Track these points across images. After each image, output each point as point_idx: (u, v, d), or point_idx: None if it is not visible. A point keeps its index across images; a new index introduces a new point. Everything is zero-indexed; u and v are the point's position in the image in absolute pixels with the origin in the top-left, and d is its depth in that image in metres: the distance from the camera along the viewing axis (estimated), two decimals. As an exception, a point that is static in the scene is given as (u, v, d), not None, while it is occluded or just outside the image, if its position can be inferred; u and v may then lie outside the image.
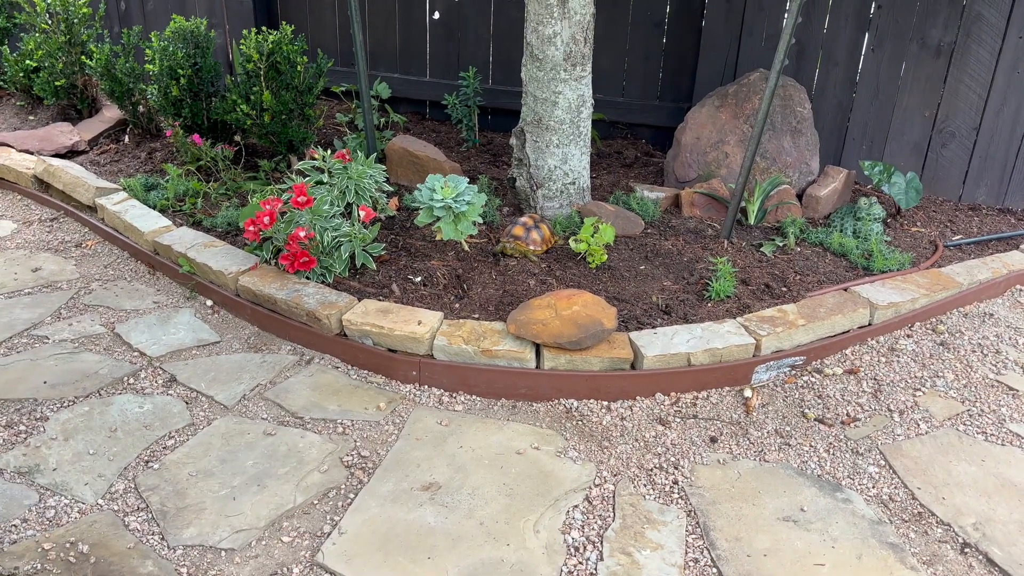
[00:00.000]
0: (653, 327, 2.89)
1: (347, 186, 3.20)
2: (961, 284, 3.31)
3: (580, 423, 2.64)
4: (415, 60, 5.03)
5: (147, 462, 2.41)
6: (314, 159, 3.28)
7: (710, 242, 3.48)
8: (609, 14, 4.58)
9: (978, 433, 2.63)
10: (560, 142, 3.39)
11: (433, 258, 3.20)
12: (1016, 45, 3.86)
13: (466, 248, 3.24)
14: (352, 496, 2.30)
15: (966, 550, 2.17)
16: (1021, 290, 3.49)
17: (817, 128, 4.21)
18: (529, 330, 2.70)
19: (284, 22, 4.06)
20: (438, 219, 3.02)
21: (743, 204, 3.71)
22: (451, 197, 2.98)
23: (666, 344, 2.77)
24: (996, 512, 2.30)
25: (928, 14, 3.95)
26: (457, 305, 2.96)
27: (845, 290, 3.18)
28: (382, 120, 4.60)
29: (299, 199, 3.03)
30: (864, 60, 4.12)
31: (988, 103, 4.00)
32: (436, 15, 4.86)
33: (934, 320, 3.24)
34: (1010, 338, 3.15)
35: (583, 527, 2.22)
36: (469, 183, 3.52)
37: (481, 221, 3.26)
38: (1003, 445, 2.58)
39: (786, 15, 3.05)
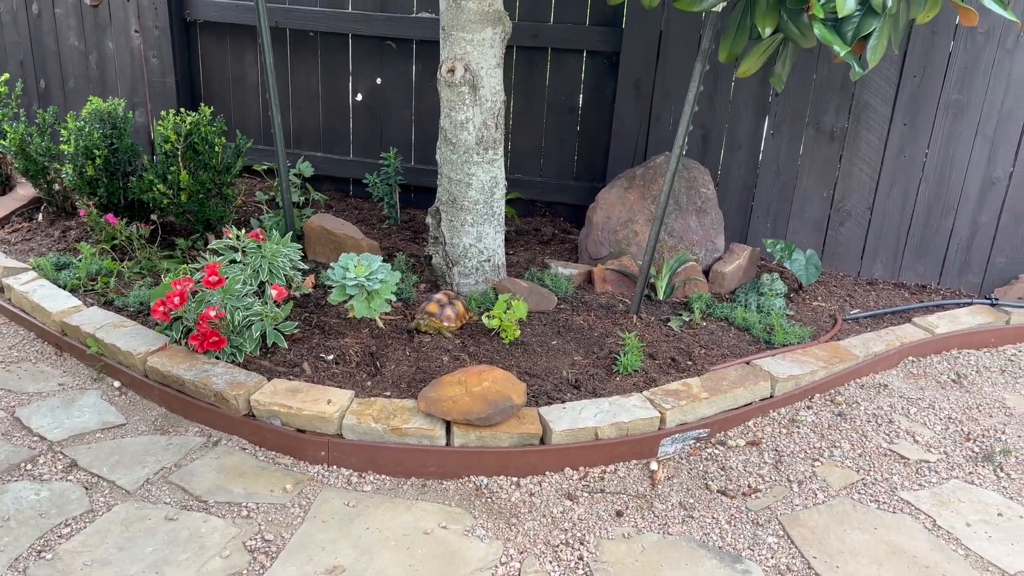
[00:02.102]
0: (563, 402, 2.95)
1: (261, 265, 3.22)
2: (857, 356, 3.48)
3: (489, 500, 2.65)
4: (338, 140, 5.12)
5: (40, 552, 2.33)
6: (228, 238, 3.30)
7: (620, 317, 3.59)
8: (527, 98, 4.77)
9: (871, 502, 2.73)
10: (474, 221, 3.49)
11: (347, 336, 3.22)
12: (901, 131, 4.15)
13: (381, 325, 3.28)
14: (254, 582, 2.26)
15: (858, 617, 2.24)
16: (913, 361, 3.67)
17: (723, 207, 4.41)
18: (439, 407, 2.73)
19: (204, 104, 4.11)
20: (351, 297, 3.06)
21: (652, 280, 3.85)
22: (364, 275, 3.03)
23: (574, 419, 2.83)
24: (886, 579, 2.38)
25: (821, 101, 4.22)
26: (369, 383, 2.98)
27: (747, 363, 3.31)
28: (303, 198, 4.65)
29: (211, 279, 3.04)
30: (765, 143, 4.37)
31: (879, 184, 4.26)
32: (359, 97, 4.98)
33: (833, 391, 3.38)
34: (903, 408, 3.30)
35: (487, 607, 2.22)
36: (384, 261, 3.57)
37: (396, 298, 3.30)
38: (894, 513, 2.68)
39: (685, 104, 3.24)
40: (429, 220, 3.59)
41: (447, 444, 2.75)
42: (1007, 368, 3.69)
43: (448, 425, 2.75)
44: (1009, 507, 2.74)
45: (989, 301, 4.06)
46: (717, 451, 2.96)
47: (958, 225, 4.23)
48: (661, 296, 3.83)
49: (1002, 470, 2.94)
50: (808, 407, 3.26)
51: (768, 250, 4.04)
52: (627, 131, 4.53)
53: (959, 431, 3.17)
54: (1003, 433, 3.16)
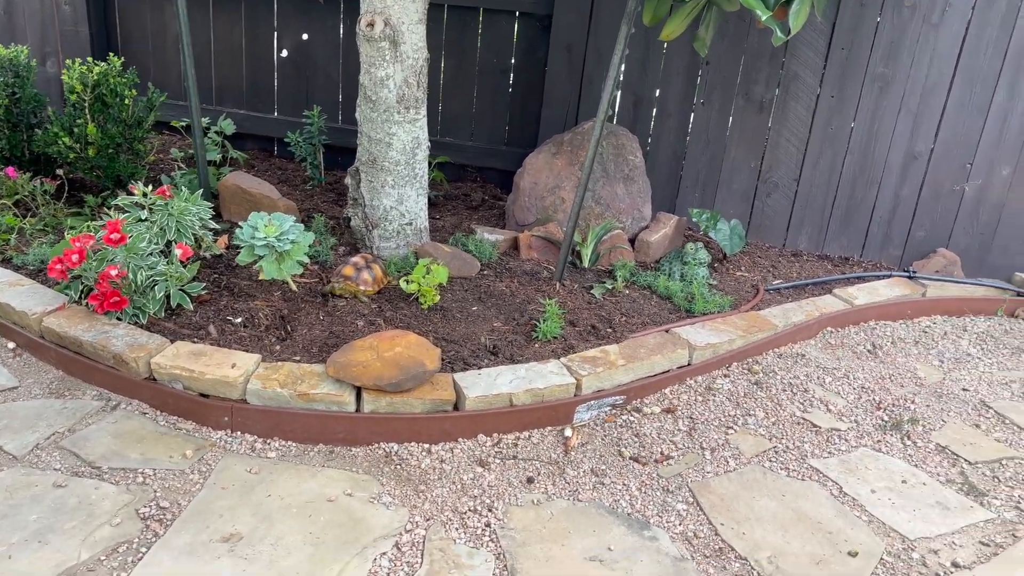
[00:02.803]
0: (479, 368, 2.89)
1: (168, 223, 3.08)
2: (776, 326, 3.50)
3: (399, 467, 2.59)
4: (263, 97, 4.94)
5: (-88, 521, 2.20)
6: (134, 195, 3.14)
7: (543, 284, 3.54)
8: (458, 60, 4.65)
9: (781, 469, 2.75)
10: (396, 183, 3.39)
11: (258, 298, 3.11)
12: (829, 104, 4.17)
13: (294, 288, 3.17)
14: (144, 551, 2.17)
15: (760, 583, 2.26)
16: (832, 332, 3.72)
17: (653, 175, 4.39)
18: (349, 372, 2.65)
19: (112, 54, 3.91)
20: (260, 258, 2.94)
21: (578, 248, 3.81)
22: (274, 235, 2.91)
23: (489, 385, 2.78)
24: (791, 545, 2.40)
25: (751, 71, 4.21)
26: (279, 347, 2.88)
27: (667, 331, 3.30)
28: (223, 157, 4.48)
29: (112, 236, 2.89)
30: (695, 112, 4.34)
31: (806, 156, 4.28)
32: (284, 53, 4.80)
33: (750, 360, 3.39)
34: (818, 378, 3.33)
35: (389, 575, 2.17)
36: (297, 221, 3.45)
37: (311, 261, 3.20)
38: (803, 480, 2.71)
39: (610, 68, 3.18)
40: (348, 180, 3.48)
41: (357, 410, 2.68)
42: (921, 339, 3.76)
43: (358, 391, 2.68)
44: (913, 474, 2.79)
45: (907, 274, 4.12)
46: (632, 418, 2.95)
47: (881, 198, 4.28)
48: (586, 264, 3.80)
49: (909, 438, 2.99)
50: (725, 375, 3.27)
51: (694, 220, 4.03)
52: (559, 96, 4.46)
53: (871, 400, 3.21)
54: (912, 403, 3.22)
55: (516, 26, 4.52)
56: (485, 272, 3.58)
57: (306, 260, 2.98)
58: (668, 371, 3.14)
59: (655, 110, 4.39)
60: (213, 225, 3.22)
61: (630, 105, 4.39)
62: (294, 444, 2.66)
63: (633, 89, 4.35)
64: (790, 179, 4.34)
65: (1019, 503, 2.69)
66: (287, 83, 4.89)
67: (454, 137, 4.80)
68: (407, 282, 3.16)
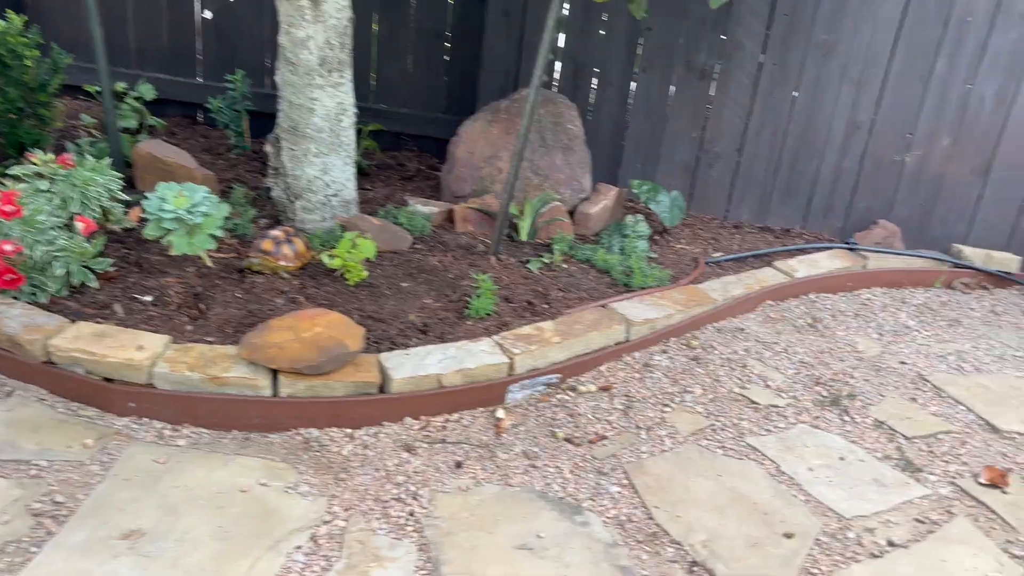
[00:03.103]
0: (407, 347, 2.75)
1: (70, 194, 2.85)
2: (716, 300, 3.42)
3: (318, 454, 2.45)
4: (185, 60, 4.67)
5: None
6: (34, 163, 2.91)
7: (478, 259, 3.40)
8: (392, 22, 4.45)
9: (718, 448, 2.68)
10: (319, 151, 3.21)
11: (170, 275, 2.91)
12: (771, 72, 4.08)
13: (209, 264, 2.98)
14: (35, 550, 2.00)
15: (694, 569, 2.18)
16: (771, 306, 3.66)
17: (594, 145, 4.26)
18: (264, 354, 2.49)
19: (11, 11, 3.61)
20: (170, 232, 2.75)
21: (515, 221, 3.67)
22: (184, 208, 2.72)
23: (417, 365, 2.64)
24: (726, 527, 2.33)
25: (693, 38, 4.09)
26: (190, 328, 2.70)
27: (604, 307, 3.19)
28: (139, 124, 4.22)
29: (6, 208, 2.66)
30: (636, 81, 4.22)
31: (748, 126, 4.20)
32: (207, 14, 4.53)
33: (689, 335, 3.31)
34: (757, 352, 3.27)
35: (304, 570, 2.03)
36: (214, 193, 3.25)
37: (228, 234, 3.01)
38: (740, 459, 2.64)
39: (544, 32, 3.03)
40: (268, 149, 3.28)
41: (273, 395, 2.52)
42: (861, 312, 3.73)
43: (275, 374, 2.52)
44: (851, 451, 2.74)
45: (848, 246, 4.09)
46: (567, 397, 2.84)
47: (823, 169, 4.23)
48: (524, 237, 3.67)
49: (847, 414, 2.94)
50: (663, 351, 3.18)
51: (634, 191, 3.92)
52: (497, 62, 4.29)
53: (810, 375, 3.16)
54: (851, 377, 3.18)
55: (452, -12, 4.34)
56: (417, 246, 3.43)
57: (220, 234, 2.79)
58: (605, 348, 3.04)
59: (595, 78, 4.26)
60: (123, 196, 3.01)
61: (570, 73, 4.24)
62: (206, 431, 2.49)
63: (573, 56, 4.21)
64: (732, 149, 4.25)
65: (954, 479, 2.66)
66: (211, 46, 4.62)
67: (388, 104, 4.60)
68: (331, 256, 2.99)
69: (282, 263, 2.98)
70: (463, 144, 3.79)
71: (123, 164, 3.51)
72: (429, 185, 4.18)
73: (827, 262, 3.92)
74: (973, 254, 4.12)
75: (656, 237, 3.95)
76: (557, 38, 3.08)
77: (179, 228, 2.73)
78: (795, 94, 4.10)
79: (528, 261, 3.45)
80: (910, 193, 4.19)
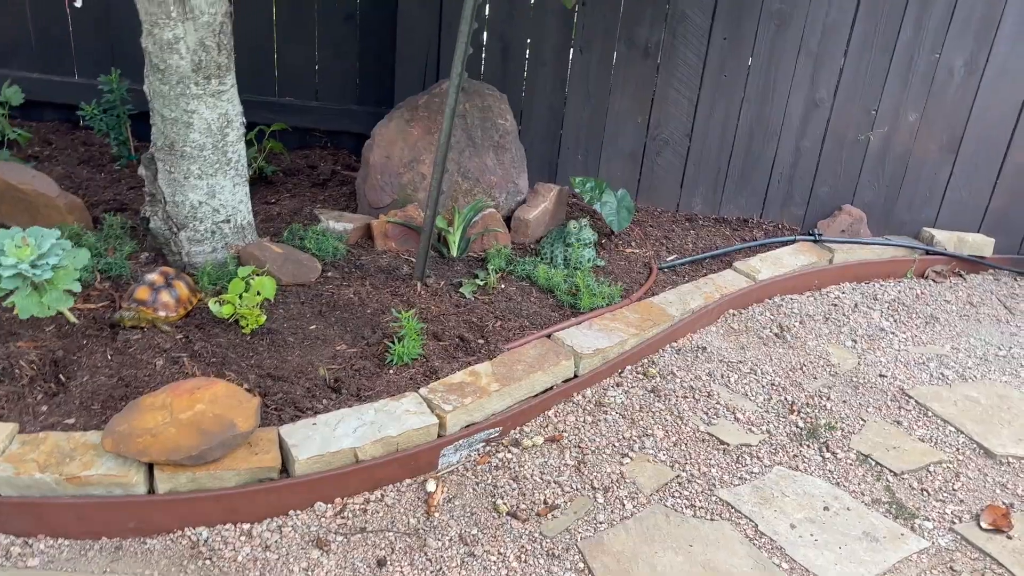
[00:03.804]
0: (315, 413, 2.31)
1: None
2: (673, 316, 3.03)
3: (209, 562, 2.00)
4: (60, 56, 4.06)
5: None
6: None
7: (402, 285, 2.95)
8: (292, 4, 3.90)
9: (687, 508, 2.30)
10: (203, 172, 2.70)
11: (22, 337, 2.40)
12: (721, 47, 3.66)
13: (72, 320, 2.47)
14: None
15: None
16: (734, 315, 3.28)
17: (529, 136, 3.81)
18: (133, 446, 2.01)
19: None
20: (12, 292, 2.23)
21: (444, 234, 3.22)
22: (28, 261, 2.20)
23: (327, 439, 2.20)
24: (702, 620, 1.96)
25: (634, 11, 3.64)
26: (46, 407, 2.20)
27: (549, 337, 2.78)
28: (1, 137, 3.63)
29: None
30: (573, 60, 3.76)
31: (698, 108, 3.78)
32: (78, 2, 3.92)
33: (646, 361, 2.92)
34: (722, 375, 2.89)
35: None
36: (79, 228, 2.74)
37: (97, 276, 2.50)
38: (712, 520, 2.27)
39: (462, 22, 2.55)
40: (142, 171, 2.76)
41: (149, 492, 2.06)
42: (831, 315, 3.38)
43: (150, 467, 2.05)
44: (836, 497, 2.39)
45: (812, 237, 3.73)
46: (510, 455, 2.43)
47: (781, 152, 3.85)
48: (455, 252, 3.22)
49: (828, 449, 2.59)
50: (617, 384, 2.79)
51: (577, 190, 3.49)
52: (415, 46, 3.79)
53: (783, 401, 2.80)
54: (828, 400, 2.83)
55: (359, -38, 3.81)
56: (329, 274, 2.96)
57: (76, 288, 2.29)
58: (552, 388, 2.64)
59: (527, 59, 3.79)
60: (-41, 241, 2.47)
61: (498, 53, 3.76)
62: (67, 542, 2.02)
63: (500, 34, 3.73)
64: (681, 134, 3.84)
65: (953, 523, 2.34)
66: (87, 39, 4.02)
67: (296, 96, 4.07)
68: (219, 303, 2.51)
69: (161, 313, 2.49)
70: (378, 148, 3.30)
71: (-29, 194, 2.95)
72: (345, 192, 3.69)
73: (791, 259, 3.56)
74: (944, 238, 3.80)
75: (603, 240, 3.54)
76: (479, 21, 2.60)
77: (23, 287, 2.22)
78: (748, 70, 3.69)
79: (460, 284, 3.01)
80: (875, 175, 3.84)
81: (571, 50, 3.74)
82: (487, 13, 3.69)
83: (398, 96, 3.89)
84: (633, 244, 3.56)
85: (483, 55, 3.78)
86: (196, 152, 2.67)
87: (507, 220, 3.44)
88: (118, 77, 3.54)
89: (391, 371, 2.51)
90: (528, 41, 3.75)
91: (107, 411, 2.22)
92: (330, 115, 4.08)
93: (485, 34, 3.73)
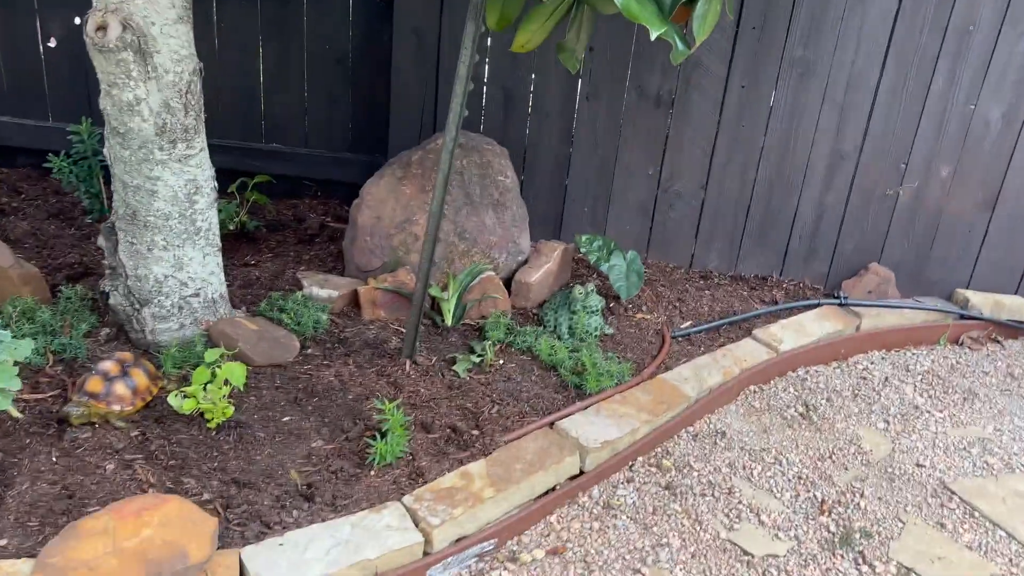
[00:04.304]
0: (284, 527, 2.03)
1: None
2: (689, 396, 2.75)
3: None
4: (32, 99, 3.83)
5: None
6: None
7: (389, 363, 2.67)
8: (281, 47, 3.66)
9: (708, 640, 2.01)
10: (168, 243, 2.44)
11: (-45, 439, 2.13)
12: (739, 95, 3.40)
13: (16, 415, 2.20)
14: None
15: None
16: (755, 392, 3.00)
17: (532, 189, 3.55)
18: (66, 581, 1.74)
19: None
20: (-62, 394, 1.96)
21: (438, 301, 2.95)
22: (-41, 358, 1.94)
23: (295, 564, 1.92)
24: None
25: (645, 57, 3.38)
26: (-26, 527, 1.93)
27: (552, 426, 2.50)
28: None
29: None
30: (579, 110, 3.50)
31: (714, 159, 3.52)
32: (52, 42, 3.69)
33: (659, 451, 2.64)
34: (744, 467, 2.61)
35: None
36: (35, 301, 2.47)
37: (49, 359, 2.24)
38: (738, 658, 1.97)
39: (456, 82, 2.29)
40: (101, 242, 2.50)
41: (86, 633, 1.77)
42: (859, 390, 3.09)
43: (87, 604, 1.77)
44: (877, 624, 2.10)
45: (837, 300, 3.45)
46: (506, 574, 2.14)
47: (803, 206, 3.57)
48: (449, 321, 2.94)
49: (864, 559, 2.30)
50: (628, 480, 2.50)
51: (582, 249, 3.22)
52: (410, 93, 3.54)
53: (812, 498, 2.51)
54: (861, 496, 2.53)
55: (350, 3, 3.56)
56: (309, 351, 2.68)
57: (16, 386, 2.01)
58: (555, 487, 2.35)
59: (531, 108, 3.53)
60: None
61: (500, 103, 3.51)
62: None
63: (502, 83, 3.47)
64: (695, 187, 3.57)
65: (1013, 658, 2.03)
66: (61, 80, 3.79)
67: (283, 143, 3.82)
68: (180, 396, 2.23)
69: (116, 408, 2.22)
70: (367, 208, 3.04)
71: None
72: (333, 251, 3.42)
73: (816, 326, 3.27)
74: (980, 301, 3.51)
75: (612, 304, 3.26)
76: (478, 73, 2.35)
77: (-49, 387, 1.95)
78: (768, 120, 3.43)
79: (455, 360, 2.73)
80: (904, 232, 3.56)
81: (577, 99, 3.49)
82: (487, 60, 3.43)
83: (392, 145, 3.63)
84: (644, 308, 3.28)
85: (483, 104, 3.52)
86: (161, 222, 2.41)
87: (507, 282, 3.17)
88: (89, 126, 3.29)
89: (372, 472, 2.23)
90: (531, 90, 3.49)
91: (46, 528, 1.94)
92: (320, 163, 3.83)
93: (485, 83, 3.48)
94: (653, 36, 1.93)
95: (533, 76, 3.46)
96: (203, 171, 2.45)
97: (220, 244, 2.59)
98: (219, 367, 2.29)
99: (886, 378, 3.18)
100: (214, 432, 2.27)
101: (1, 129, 3.82)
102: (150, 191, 2.37)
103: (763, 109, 3.42)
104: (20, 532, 1.93)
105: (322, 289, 2.93)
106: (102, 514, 1.86)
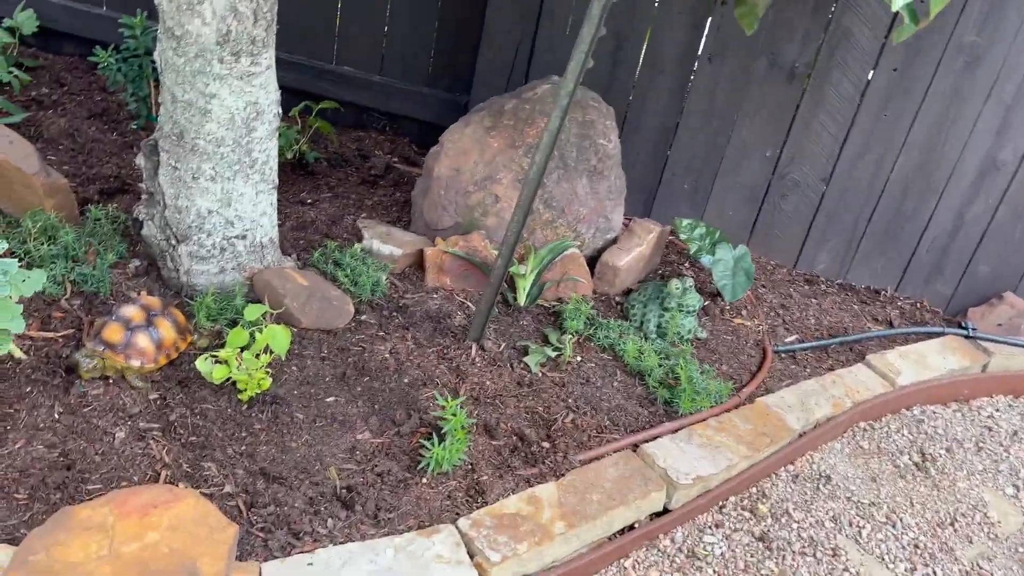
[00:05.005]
0: (316, 539, 1.68)
1: None
2: (794, 430, 2.35)
3: None
4: (87, -18, 3.45)
5: None
6: None
7: (453, 344, 2.30)
8: (366, -45, 3.22)
9: None
10: (218, 173, 2.06)
11: (-56, 377, 1.81)
12: (888, 79, 2.90)
13: (19, 355, 1.87)
14: None
15: None
16: (864, 430, 2.58)
17: (630, 155, 3.10)
18: (48, 586, 1.41)
19: None
20: (-76, 328, 1.63)
21: (512, 275, 2.55)
22: (-47, 288, 1.59)
23: (325, 588, 1.57)
24: None
25: (784, 23, 2.89)
26: (-48, 491, 1.61)
27: (635, 448, 2.12)
28: (12, 74, 3.03)
29: None
30: (698, 71, 3.03)
31: (844, 149, 3.04)
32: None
33: (754, 491, 2.24)
34: (851, 523, 2.21)
35: None
36: (57, 218, 2.12)
37: (68, 288, 1.90)
38: None
39: (586, 21, 1.86)
40: (141, 162, 2.12)
41: (64, 651, 1.45)
42: (984, 442, 2.66)
43: (70, 614, 1.44)
44: None
45: (964, 331, 2.99)
46: (569, 627, 1.79)
47: (938, 216, 3.09)
48: (522, 300, 2.55)
49: (994, 666, 1.91)
50: (717, 525, 2.12)
51: (682, 236, 2.79)
52: (505, 29, 3.10)
53: (930, 575, 2.11)
54: (989, 580, 2.13)
55: (452, -85, 3.10)
56: (363, 317, 2.31)
57: (18, 328, 1.67)
58: (633, 526, 1.98)
59: (641, 61, 3.06)
60: None
61: (608, 50, 3.05)
62: None
63: (614, 28, 3.01)
64: (817, 178, 3.11)
65: None
66: (121, -37, 3.39)
67: (355, 66, 3.40)
68: (211, 361, 1.88)
69: (135, 363, 1.87)
70: (446, 158, 2.63)
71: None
72: (399, 198, 3.02)
73: (938, 359, 2.83)
74: None
75: (707, 303, 2.84)
76: (602, 28, 1.89)
77: (-60, 322, 1.61)
78: (917, 112, 2.93)
79: (527, 350, 2.35)
80: (1053, 261, 3.07)
81: (697, 59, 3.01)
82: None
83: (477, 85, 3.20)
84: (743, 312, 2.86)
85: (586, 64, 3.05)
86: (212, 147, 2.03)
87: (591, 261, 2.76)
88: (144, 20, 2.90)
89: (424, 480, 1.87)
90: (646, 40, 3.02)
91: (35, 504, 1.62)
92: (394, 94, 3.41)
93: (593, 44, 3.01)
94: (896, 6, 1.48)
95: (648, 24, 2.99)
96: (267, 93, 2.05)
97: (277, 181, 2.20)
98: (260, 329, 1.93)
99: (1015, 432, 2.74)
100: (245, 406, 1.92)
101: (48, 10, 3.44)
102: (203, 110, 1.98)
103: (914, 98, 2.92)
104: (4, 504, 1.61)
105: (384, 244, 2.54)
106: (102, 503, 1.52)
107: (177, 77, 1.97)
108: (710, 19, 2.95)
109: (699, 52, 3.01)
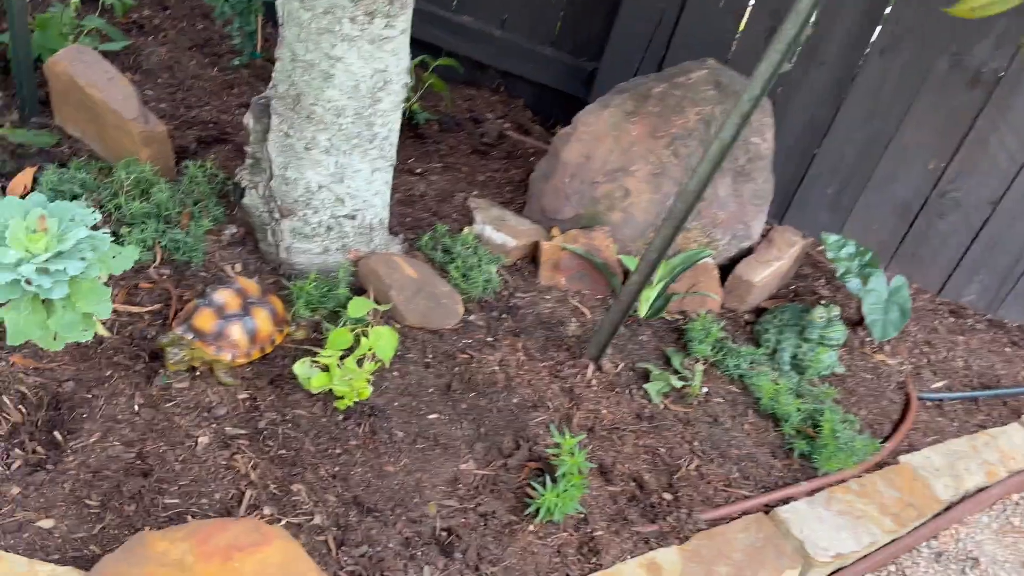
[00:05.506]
0: (410, 587, 1.48)
1: None
2: (941, 500, 2.05)
3: None
4: None
5: None
6: None
7: (567, 360, 2.05)
8: None
9: None
10: (333, 145, 1.82)
11: (17, 352, 1.62)
12: (1091, 97, 2.50)
13: (102, 334, 1.68)
14: None
15: None
16: (1017, 504, 2.27)
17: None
18: (116, 630, 1.23)
19: None
20: (4, 303, 1.44)
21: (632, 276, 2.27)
22: (38, 261, 1.39)
23: (418, 655, 1.37)
24: None
25: (976, 21, 2.48)
26: (16, 490, 1.44)
27: (767, 511, 1.86)
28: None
29: None
30: (866, 64, 2.66)
31: (1022, 172, 2.65)
32: None
33: (893, 570, 1.97)
34: (1001, 621, 1.93)
35: None
36: (155, 173, 1.91)
37: (161, 255, 1.70)
38: None
39: (793, 13, 1.54)
40: (248, 121, 1.89)
41: None
42: None
43: (137, 660, 1.27)
44: None
45: None
46: None
47: (1119, 258, 2.70)
48: (643, 311, 2.28)
49: None
50: (851, 608, 1.86)
51: (829, 254, 2.47)
52: (651, -6, 2.76)
53: None
54: None
55: None
56: (472, 317, 2.07)
57: (105, 313, 1.47)
58: (758, 603, 1.73)
59: (799, 48, 2.69)
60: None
61: (762, 32, 2.70)
62: None
63: (773, 8, 2.64)
64: (983, 199, 2.73)
65: None
66: None
67: (476, 17, 3.10)
68: (310, 366, 1.66)
69: (225, 355, 1.66)
70: (578, 142, 2.33)
71: (32, 78, 2.16)
72: (513, 175, 2.75)
73: (1105, 427, 2.48)
74: None
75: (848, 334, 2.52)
76: None
77: (21, 299, 1.42)
78: (1120, 139, 2.53)
79: (647, 375, 2.09)
80: None
81: (867, 50, 2.64)
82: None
83: (609, 53, 2.89)
84: (885, 348, 2.54)
85: (739, 29, 2.71)
86: (330, 117, 1.78)
87: (722, 270, 2.46)
88: (258, -51, 2.64)
89: (531, 528, 1.65)
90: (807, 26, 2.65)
91: (107, 514, 1.44)
92: (513, 52, 3.10)
93: (752, 2, 2.66)
94: None
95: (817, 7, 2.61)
96: (398, 60, 1.79)
97: (395, 159, 1.95)
98: (364, 332, 1.71)
99: None
100: (341, 416, 1.71)
101: (159, -74, 3.20)
102: (325, 73, 1.72)
103: (1122, 122, 2.51)
104: (74, 512, 1.43)
105: (497, 231, 2.29)
106: (182, 536, 1.33)
107: (300, 33, 1.71)
108: (889, 8, 2.57)
109: (869, 42, 2.64)
